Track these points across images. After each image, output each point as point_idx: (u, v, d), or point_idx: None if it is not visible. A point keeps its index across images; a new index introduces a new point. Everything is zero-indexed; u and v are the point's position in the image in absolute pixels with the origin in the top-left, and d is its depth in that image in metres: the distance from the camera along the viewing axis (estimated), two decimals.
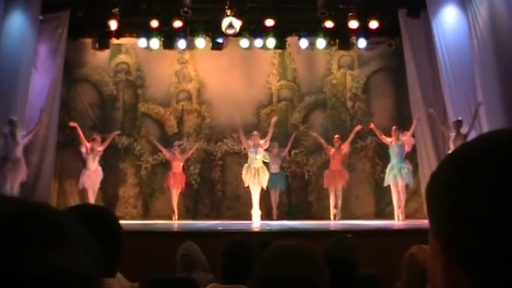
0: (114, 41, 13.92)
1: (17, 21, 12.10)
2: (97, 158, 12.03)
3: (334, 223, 11.45)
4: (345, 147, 12.21)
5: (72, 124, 12.34)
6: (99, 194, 13.51)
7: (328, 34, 13.60)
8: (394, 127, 11.84)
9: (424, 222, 10.49)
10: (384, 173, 12.42)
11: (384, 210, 13.43)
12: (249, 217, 11.69)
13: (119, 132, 12.81)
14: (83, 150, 12.01)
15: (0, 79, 11.50)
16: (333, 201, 12.18)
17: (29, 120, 12.07)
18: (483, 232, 0.67)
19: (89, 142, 12.00)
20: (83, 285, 0.65)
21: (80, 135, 12.09)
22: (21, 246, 0.61)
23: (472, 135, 10.83)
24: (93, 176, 11.96)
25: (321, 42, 13.74)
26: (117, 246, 1.89)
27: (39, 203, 0.69)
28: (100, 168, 12.14)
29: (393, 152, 11.68)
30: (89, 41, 14.06)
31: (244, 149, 12.49)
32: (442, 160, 0.79)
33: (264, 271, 1.66)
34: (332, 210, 12.12)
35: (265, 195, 12.12)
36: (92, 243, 0.71)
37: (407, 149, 11.73)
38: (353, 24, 12.84)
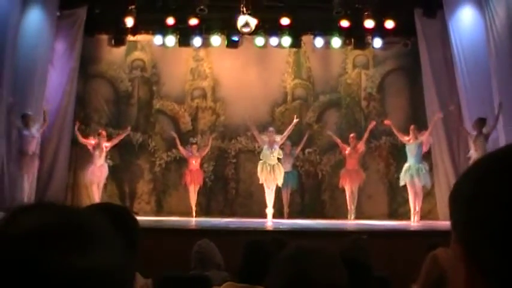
0: (130, 37, 13.98)
1: (35, 18, 12.22)
2: (103, 154, 12.11)
3: (348, 223, 11.44)
4: (361, 146, 12.20)
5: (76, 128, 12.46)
6: (113, 190, 13.66)
7: (344, 33, 13.58)
8: (412, 126, 11.73)
9: (438, 224, 10.48)
10: (398, 173, 12.37)
11: (397, 210, 13.40)
12: (262, 215, 11.72)
13: (128, 132, 12.81)
14: (90, 147, 12.12)
15: (17, 74, 11.61)
16: (349, 201, 12.17)
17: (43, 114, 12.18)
18: (502, 240, 0.70)
19: (94, 138, 12.11)
20: (116, 281, 0.69)
21: (80, 139, 12.22)
22: (53, 251, 0.65)
23: (493, 136, 10.80)
24: (97, 171, 12.04)
25: (336, 42, 13.72)
26: (134, 245, 1.94)
27: (74, 210, 0.73)
28: (106, 165, 12.24)
29: (411, 151, 11.55)
30: (105, 37, 14.14)
31: (259, 146, 12.51)
32: (465, 169, 0.82)
33: (287, 271, 1.68)
34: (350, 210, 12.11)
35: (277, 193, 12.14)
36: (121, 245, 0.74)
37: (425, 148, 11.61)
38: (369, 23, 12.81)
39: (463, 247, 0.75)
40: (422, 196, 11.63)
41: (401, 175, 11.65)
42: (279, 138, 11.76)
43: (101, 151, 12.03)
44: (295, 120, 11.93)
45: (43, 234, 0.66)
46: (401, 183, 11.73)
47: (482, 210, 0.72)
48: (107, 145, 12.14)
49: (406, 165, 11.60)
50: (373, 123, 12.33)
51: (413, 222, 11.28)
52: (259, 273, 3.17)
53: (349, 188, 12.17)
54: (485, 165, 0.77)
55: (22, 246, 0.65)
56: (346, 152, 12.24)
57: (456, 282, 0.77)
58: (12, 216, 0.70)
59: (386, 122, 12.13)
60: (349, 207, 12.17)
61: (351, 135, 12.37)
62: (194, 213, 12.36)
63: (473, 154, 10.68)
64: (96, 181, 12.09)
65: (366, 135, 12.26)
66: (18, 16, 11.62)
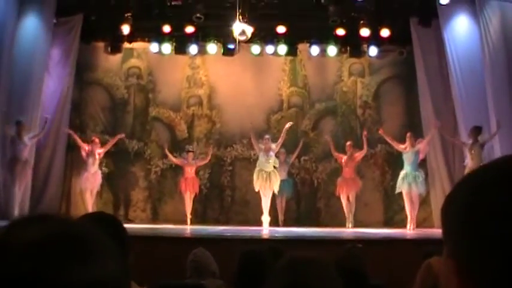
0: (126, 45, 14.00)
1: (31, 24, 12.21)
2: (97, 161, 12.10)
3: (344, 231, 11.41)
4: (359, 155, 12.19)
5: (66, 131, 12.54)
6: (108, 197, 13.63)
7: (339, 41, 13.61)
8: (408, 134, 11.70)
9: (433, 232, 10.47)
10: (394, 181, 12.36)
11: (392, 218, 13.40)
12: (257, 223, 11.70)
13: (122, 135, 12.80)
14: (83, 153, 12.12)
15: (13, 81, 11.60)
16: (347, 209, 12.13)
17: (41, 122, 12.15)
18: (498, 254, 0.69)
19: (88, 145, 12.10)
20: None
21: (76, 139, 12.27)
22: (53, 264, 0.65)
23: (488, 144, 10.82)
24: (91, 178, 12.03)
25: (332, 50, 13.75)
26: (126, 253, 1.95)
27: (71, 221, 0.73)
28: (99, 172, 12.22)
29: (407, 159, 11.47)
30: (101, 44, 14.15)
31: (254, 154, 12.51)
32: (457, 182, 0.81)
33: (283, 281, 1.68)
34: (348, 218, 12.08)
35: (272, 201, 12.12)
36: (118, 254, 0.75)
37: (421, 156, 11.58)
38: (364, 32, 12.83)
39: (456, 261, 0.74)
40: (418, 204, 11.58)
41: (398, 183, 11.59)
42: (274, 146, 11.76)
43: (94, 158, 12.01)
44: (288, 125, 11.92)
45: (42, 247, 0.66)
46: (398, 190, 11.68)
47: (477, 222, 0.71)
48: (100, 152, 12.13)
49: (402, 173, 11.53)
50: (365, 132, 12.31)
51: (409, 230, 11.26)
52: (255, 282, 3.17)
53: (345, 196, 12.16)
54: (479, 177, 0.77)
55: (21, 259, 0.65)
56: (343, 160, 12.22)
57: None
58: (11, 228, 0.70)
59: (380, 131, 12.11)
60: (346, 216, 12.13)
61: (348, 143, 12.37)
62: (189, 221, 12.31)
63: (469, 163, 10.69)
64: (89, 188, 12.07)
65: (365, 146, 12.22)
66: (14, 23, 11.62)
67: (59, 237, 0.68)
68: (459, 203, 0.76)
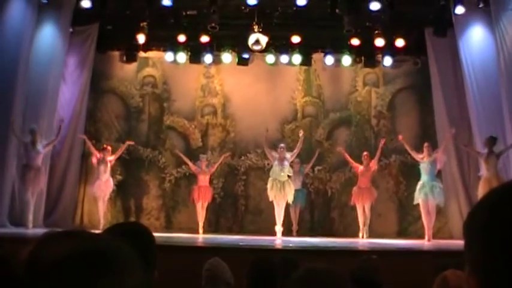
0: (142, 54, 14.09)
1: (48, 33, 12.34)
2: (108, 169, 12.14)
3: (358, 241, 11.31)
4: (374, 165, 12.10)
5: (81, 136, 12.62)
6: (122, 205, 13.67)
7: (354, 51, 13.62)
8: (426, 143, 11.51)
9: (449, 243, 10.39)
10: (408, 191, 12.28)
11: (407, 229, 13.33)
12: (271, 232, 11.67)
13: (132, 142, 12.78)
14: (94, 160, 12.19)
15: (29, 89, 11.71)
16: (362, 219, 11.99)
17: (56, 125, 12.24)
18: None
19: (100, 152, 12.16)
20: None
21: (89, 146, 12.35)
22: (82, 280, 0.67)
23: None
24: (103, 186, 12.08)
25: (346, 60, 13.76)
26: (151, 267, 1.95)
27: (98, 237, 0.75)
28: (111, 180, 12.26)
29: (424, 169, 11.29)
30: (116, 53, 14.25)
31: (268, 164, 12.49)
32: (480, 199, 0.80)
33: None
34: (361, 228, 11.95)
35: (286, 211, 12.07)
36: (142, 270, 0.75)
37: (439, 166, 11.36)
38: (379, 42, 12.82)
39: (477, 279, 0.74)
40: (435, 215, 11.36)
41: (416, 193, 11.37)
42: (289, 155, 11.70)
43: (105, 166, 12.06)
44: (301, 134, 11.89)
45: (71, 263, 0.68)
46: (416, 202, 11.44)
47: (499, 240, 0.71)
48: (110, 159, 12.18)
49: (420, 183, 11.33)
50: (383, 140, 12.23)
51: (427, 242, 11.02)
52: None
53: (360, 206, 12.01)
54: (502, 194, 0.76)
55: (52, 275, 0.67)
56: (359, 170, 12.12)
57: None
58: (40, 244, 0.72)
59: (400, 137, 11.91)
60: (361, 226, 11.98)
61: (364, 153, 12.25)
62: (201, 230, 12.29)
63: (485, 173, 10.58)
64: (101, 195, 12.12)
65: (378, 153, 12.13)
66: (31, 32, 11.74)
67: (86, 254, 0.70)
68: (481, 221, 0.76)
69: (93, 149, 12.28)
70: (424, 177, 11.29)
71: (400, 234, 13.03)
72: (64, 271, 0.67)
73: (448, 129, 12.02)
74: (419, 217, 12.61)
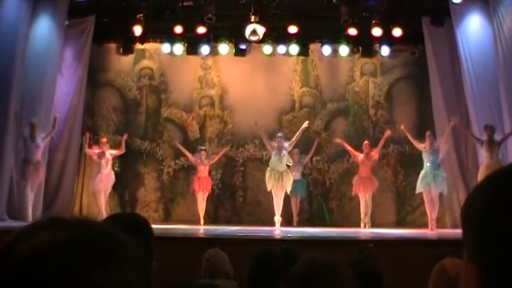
0: (138, 46, 14.06)
1: (44, 26, 12.28)
2: (109, 162, 12.13)
3: (357, 231, 11.29)
4: (375, 154, 12.01)
5: (87, 136, 12.54)
6: (120, 198, 13.68)
7: (351, 41, 13.59)
8: (428, 132, 11.38)
9: (447, 232, 10.41)
10: (406, 181, 12.26)
11: (404, 219, 13.35)
12: (269, 223, 11.68)
13: (126, 136, 12.61)
14: (94, 157, 12.16)
15: (26, 83, 11.67)
16: (364, 209, 11.90)
17: (52, 121, 12.20)
18: None
19: (98, 147, 12.13)
20: None
21: (86, 149, 12.31)
22: (62, 269, 0.64)
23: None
24: (105, 179, 12.07)
25: (343, 50, 13.73)
26: (150, 252, 1.95)
27: (87, 225, 0.72)
28: (112, 173, 12.25)
29: (427, 158, 11.13)
30: (113, 46, 14.21)
31: (266, 155, 12.48)
32: (477, 184, 0.79)
33: (304, 286, 1.67)
34: (363, 218, 11.87)
35: (285, 201, 12.07)
36: (143, 259, 0.74)
37: (441, 155, 11.24)
38: (376, 31, 12.78)
39: (476, 266, 0.73)
40: (438, 204, 11.25)
41: (418, 182, 11.26)
42: (287, 144, 11.65)
43: (106, 159, 12.04)
44: (305, 124, 11.84)
45: (52, 252, 0.65)
46: (418, 191, 11.36)
47: (496, 227, 0.70)
48: (112, 153, 12.15)
49: (422, 173, 11.20)
50: (388, 131, 12.09)
51: (430, 231, 10.93)
52: (268, 283, 3.17)
53: (363, 196, 11.90)
54: (499, 179, 0.75)
55: (29, 265, 0.64)
56: (359, 159, 12.01)
57: None
58: (21, 234, 0.69)
59: (401, 126, 11.81)
60: (362, 216, 11.90)
61: (365, 142, 12.14)
62: (202, 221, 12.28)
63: (487, 160, 10.48)
64: (103, 189, 12.11)
65: (381, 143, 12.04)
66: (27, 25, 11.69)
67: (69, 242, 0.67)
68: (478, 207, 0.75)
69: (90, 151, 12.24)
70: (427, 167, 11.14)
71: (398, 224, 13.04)
72: (42, 261, 0.64)
73: (448, 117, 11.98)
74: (417, 207, 12.65)
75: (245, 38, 12.50)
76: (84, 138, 12.59)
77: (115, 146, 12.55)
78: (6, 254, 0.66)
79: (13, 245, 0.67)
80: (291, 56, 13.91)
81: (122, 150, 12.37)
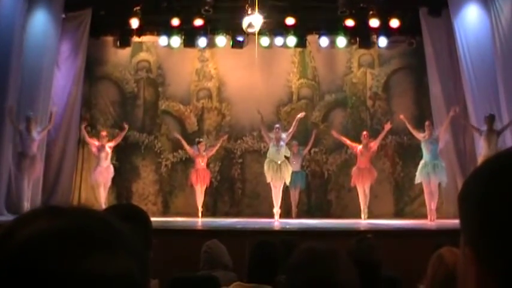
0: (135, 39, 14.02)
1: (40, 20, 12.25)
2: (109, 155, 12.13)
3: (356, 222, 11.29)
4: (374, 145, 11.94)
5: (83, 128, 12.53)
6: (118, 191, 13.68)
7: (349, 33, 13.56)
8: (427, 122, 11.37)
9: (446, 223, 10.43)
10: (404, 172, 12.25)
11: (403, 209, 13.37)
12: (268, 215, 11.69)
13: (125, 129, 12.59)
14: (93, 149, 12.15)
15: (23, 76, 11.65)
16: (363, 200, 11.85)
17: (49, 114, 12.19)
18: None
19: (98, 140, 12.13)
20: (126, 285, 0.68)
21: (85, 138, 12.28)
22: (55, 258, 0.64)
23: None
24: (104, 172, 12.07)
25: (341, 41, 13.71)
26: (148, 242, 1.96)
27: (83, 214, 0.71)
28: (111, 166, 12.25)
29: (426, 148, 11.09)
30: (110, 39, 14.17)
31: (265, 147, 12.48)
32: (474, 168, 0.79)
33: (304, 275, 1.67)
34: (362, 209, 11.82)
35: (284, 193, 12.07)
36: (140, 248, 0.73)
37: (441, 145, 11.21)
38: (374, 22, 12.77)
39: (473, 250, 0.73)
40: (438, 194, 11.24)
41: (417, 173, 11.24)
42: (285, 135, 11.63)
43: (105, 153, 12.04)
44: (300, 114, 11.81)
45: (49, 240, 0.65)
46: (417, 181, 11.34)
47: (494, 210, 0.70)
48: (110, 145, 12.15)
49: (422, 162, 11.17)
50: (389, 126, 11.97)
51: (430, 221, 10.94)
52: (267, 274, 3.18)
53: (361, 187, 11.87)
54: (497, 163, 0.75)
55: (25, 252, 0.64)
56: (358, 150, 11.95)
57: (465, 285, 0.75)
58: (16, 222, 0.69)
59: (401, 116, 11.76)
60: (362, 207, 11.87)
61: (364, 132, 12.11)
62: (200, 214, 12.28)
63: (486, 150, 10.45)
64: (103, 182, 12.11)
65: (382, 135, 12.02)
66: (23, 18, 11.66)
67: (63, 231, 0.66)
68: (476, 190, 0.75)
69: (90, 140, 12.23)
70: (426, 156, 11.11)
71: (397, 215, 13.06)
72: (35, 251, 0.64)
73: (446, 108, 12.00)
74: (416, 197, 12.67)
75: (242, 30, 12.46)
76: (83, 127, 12.55)
77: (113, 139, 12.54)
78: (2, 242, 0.66)
79: (9, 233, 0.67)
80: (289, 47, 13.88)
81: (117, 140, 12.34)
